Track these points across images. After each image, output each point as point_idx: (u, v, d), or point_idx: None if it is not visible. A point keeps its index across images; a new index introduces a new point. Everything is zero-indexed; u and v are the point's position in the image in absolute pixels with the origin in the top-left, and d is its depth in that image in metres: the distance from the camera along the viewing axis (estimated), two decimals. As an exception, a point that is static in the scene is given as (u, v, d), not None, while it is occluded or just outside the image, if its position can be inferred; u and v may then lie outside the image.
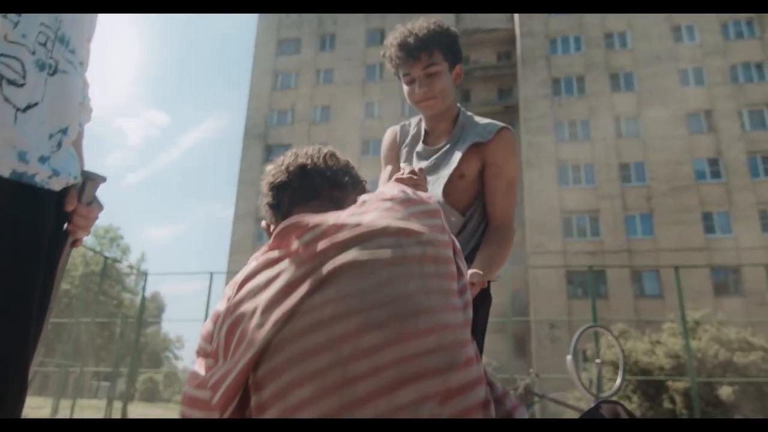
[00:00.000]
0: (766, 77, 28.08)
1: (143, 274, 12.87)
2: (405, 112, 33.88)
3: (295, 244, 0.93)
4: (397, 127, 2.03)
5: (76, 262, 37.03)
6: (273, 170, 1.17)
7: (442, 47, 1.75)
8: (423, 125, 1.95)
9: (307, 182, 1.11)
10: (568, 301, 26.27)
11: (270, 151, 35.20)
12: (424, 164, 1.84)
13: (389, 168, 1.95)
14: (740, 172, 26.67)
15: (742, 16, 29.47)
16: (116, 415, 11.45)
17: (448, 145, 1.83)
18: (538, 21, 32.05)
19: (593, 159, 28.68)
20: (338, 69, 35.90)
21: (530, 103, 30.51)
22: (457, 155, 1.76)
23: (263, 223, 1.18)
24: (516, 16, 33.70)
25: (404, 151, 1.95)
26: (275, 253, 0.96)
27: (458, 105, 1.91)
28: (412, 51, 1.72)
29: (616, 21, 31.08)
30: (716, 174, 27.04)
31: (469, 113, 1.90)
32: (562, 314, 25.88)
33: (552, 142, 29.31)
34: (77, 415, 11.52)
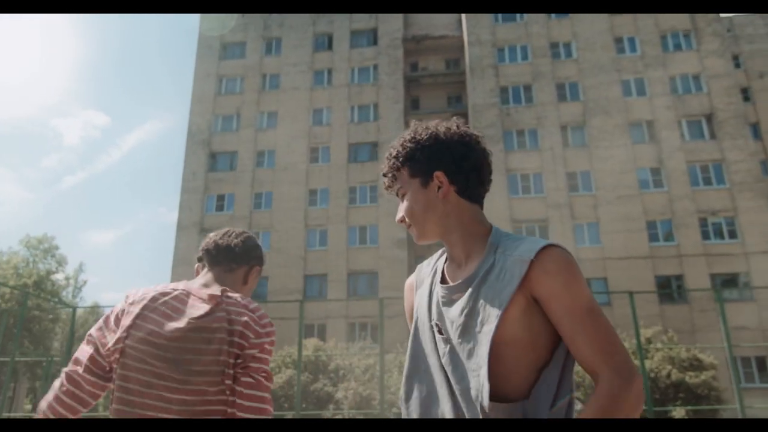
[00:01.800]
0: (703, 89, 29.05)
1: (72, 308, 11.77)
2: (354, 119, 33.35)
3: None
4: (414, 273, 1.55)
5: (7, 274, 34.70)
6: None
7: (408, 164, 1.38)
8: (445, 256, 1.46)
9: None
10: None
11: (214, 159, 33.92)
12: (452, 318, 1.30)
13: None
14: (681, 181, 27.45)
15: (681, 29, 30.40)
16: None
17: (474, 282, 1.28)
18: (485, 29, 32.12)
19: (541, 168, 28.94)
20: (285, 74, 34.96)
21: (479, 111, 30.52)
22: (493, 305, 1.22)
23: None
24: (464, 23, 33.71)
25: (417, 299, 1.44)
26: None
27: (485, 222, 1.38)
28: (384, 178, 1.44)
29: (561, 31, 31.50)
30: (659, 183, 27.75)
31: (509, 233, 1.37)
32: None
33: (501, 152, 29.38)
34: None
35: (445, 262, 1.42)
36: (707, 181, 27.45)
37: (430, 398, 1.30)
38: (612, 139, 28.72)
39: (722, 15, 30.72)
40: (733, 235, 26.33)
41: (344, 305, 29.13)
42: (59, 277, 40.83)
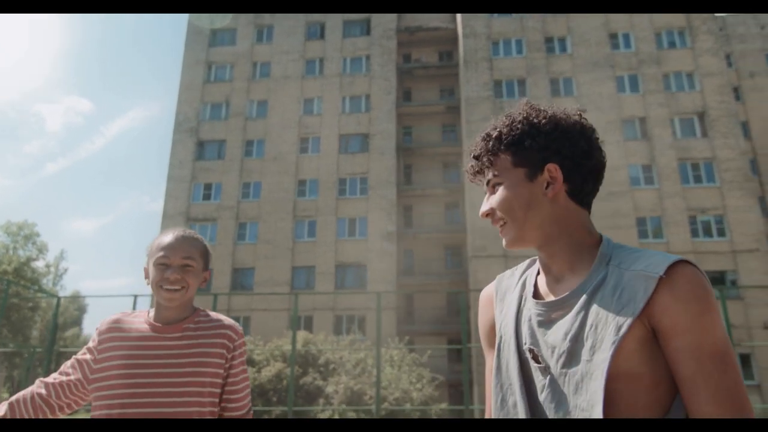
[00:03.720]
0: (696, 86, 29.09)
1: (55, 297, 11.39)
2: (345, 110, 32.98)
3: None
4: (494, 283, 1.28)
5: (-14, 261, 33.96)
6: None
7: (514, 149, 1.12)
8: (536, 267, 1.20)
9: None
10: (508, 306, 26.27)
11: (202, 148, 33.37)
12: (552, 343, 1.05)
13: (489, 360, 1.22)
14: (671, 178, 27.52)
15: (676, 26, 30.39)
16: None
17: (582, 299, 1.03)
18: (480, 22, 31.85)
19: (534, 163, 28.82)
20: (276, 62, 34.43)
21: (472, 104, 30.30)
22: (607, 329, 0.97)
23: None
24: (458, 15, 33.40)
25: (501, 316, 1.18)
26: None
27: (594, 231, 1.13)
28: (473, 161, 1.19)
29: (556, 25, 31.33)
30: (649, 180, 27.79)
31: (622, 245, 1.10)
32: (502, 318, 25.84)
33: (493, 145, 29.20)
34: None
35: (538, 274, 1.17)
36: (698, 179, 27.55)
37: None
38: (604, 135, 28.54)
39: (716, 14, 30.72)
40: (721, 233, 26.47)
41: (331, 298, 28.89)
42: (39, 264, 40.10)
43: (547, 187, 1.09)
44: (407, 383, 15.72)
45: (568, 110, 1.15)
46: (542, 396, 1.04)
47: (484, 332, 1.24)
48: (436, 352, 24.93)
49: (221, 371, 1.66)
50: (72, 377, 1.66)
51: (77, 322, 57.13)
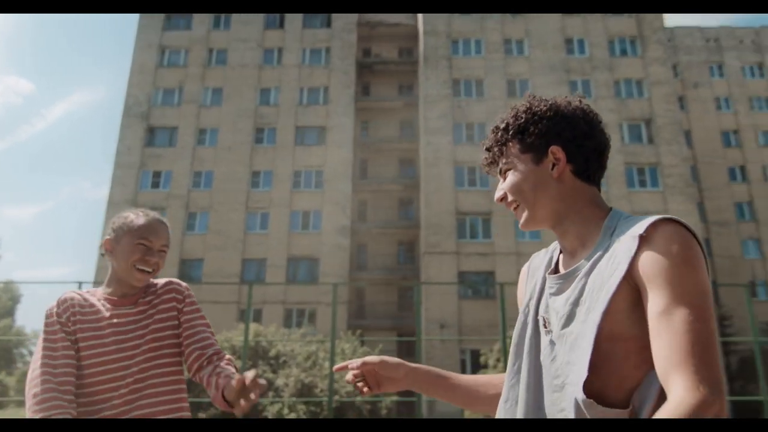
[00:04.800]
0: (644, 94, 30.20)
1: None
2: (303, 102, 32.62)
3: None
4: (528, 262, 1.39)
5: None
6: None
7: (520, 136, 1.22)
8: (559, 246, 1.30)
9: None
10: (459, 302, 26.63)
11: (153, 134, 32.32)
12: (557, 309, 1.14)
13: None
14: (619, 181, 28.49)
15: (628, 34, 31.44)
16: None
17: (584, 269, 1.10)
18: (441, 20, 32.08)
19: (488, 162, 29.26)
20: (233, 50, 33.68)
21: (430, 102, 30.50)
22: (600, 291, 1.04)
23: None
24: (419, 13, 33.52)
25: (528, 291, 1.28)
26: None
27: (603, 205, 1.20)
28: (486, 153, 1.30)
29: (514, 27, 31.88)
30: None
31: (631, 215, 1.14)
32: (452, 314, 26.18)
33: (450, 143, 29.52)
34: None
35: (560, 252, 1.25)
36: (642, 184, 28.63)
37: (516, 398, 1.16)
38: (557, 137, 29.40)
39: (664, 25, 31.97)
40: (663, 236, 27.62)
41: (282, 291, 28.56)
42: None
43: (552, 168, 1.17)
44: (358, 376, 15.67)
45: (572, 98, 1.24)
46: (542, 355, 1.13)
47: (519, 302, 1.33)
48: (387, 345, 25.02)
49: (176, 322, 1.74)
50: (66, 370, 1.61)
51: (10, 312, 54.49)
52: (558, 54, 31.08)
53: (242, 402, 1.39)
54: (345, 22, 34.34)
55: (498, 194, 1.25)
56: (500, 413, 1.20)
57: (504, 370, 6.63)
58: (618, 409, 0.99)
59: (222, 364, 1.65)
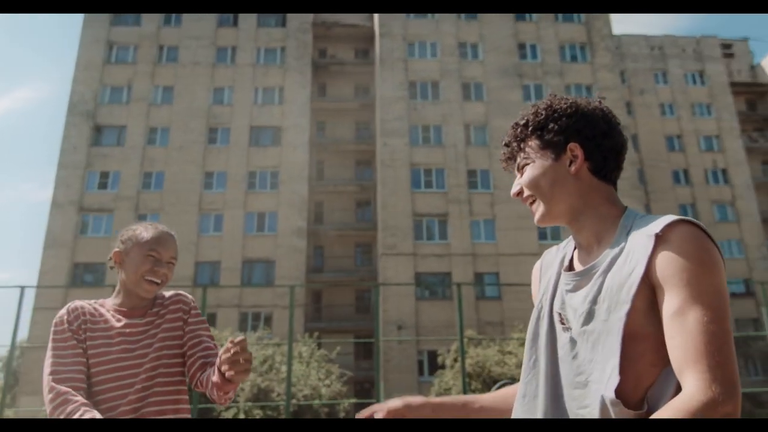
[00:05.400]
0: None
1: None
2: (257, 101, 32.11)
3: None
4: (541, 258, 1.40)
5: None
6: None
7: (539, 133, 1.24)
8: (574, 242, 1.30)
9: None
10: (416, 303, 26.73)
11: (100, 133, 31.15)
12: (575, 306, 1.15)
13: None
14: (570, 184, 29.25)
15: (578, 41, 32.35)
16: None
17: (602, 267, 1.12)
18: (397, 22, 32.20)
19: (444, 164, 29.55)
20: (184, 47, 32.84)
21: (387, 103, 30.55)
22: (621, 290, 1.06)
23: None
24: (376, 15, 33.56)
25: (542, 287, 1.29)
26: None
27: (619, 204, 1.22)
28: (505, 149, 1.31)
29: (469, 31, 32.32)
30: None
31: (646, 215, 1.16)
32: (409, 315, 26.26)
33: (406, 145, 29.64)
34: None
35: (575, 249, 1.27)
36: (592, 186, 29.47)
37: (534, 395, 1.17)
38: (511, 140, 29.95)
39: (612, 32, 33.07)
40: (612, 237, 28.53)
41: (237, 294, 28.00)
42: None
43: (570, 165, 1.19)
44: (316, 379, 15.49)
45: (590, 98, 1.27)
46: (561, 352, 1.14)
47: (534, 299, 1.35)
48: (344, 349, 24.87)
49: (181, 333, 1.80)
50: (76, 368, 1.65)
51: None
52: (511, 58, 31.68)
53: (236, 366, 1.46)
54: (300, 21, 34.02)
55: (515, 189, 1.27)
56: (517, 409, 1.20)
57: (460, 370, 6.60)
58: (633, 408, 1.01)
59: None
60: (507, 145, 1.28)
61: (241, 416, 14.39)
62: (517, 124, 1.26)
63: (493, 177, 29.34)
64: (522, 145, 1.24)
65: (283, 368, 14.23)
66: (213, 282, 28.43)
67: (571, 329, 1.13)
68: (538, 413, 1.14)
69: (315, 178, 32.42)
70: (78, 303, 1.75)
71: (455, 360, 18.28)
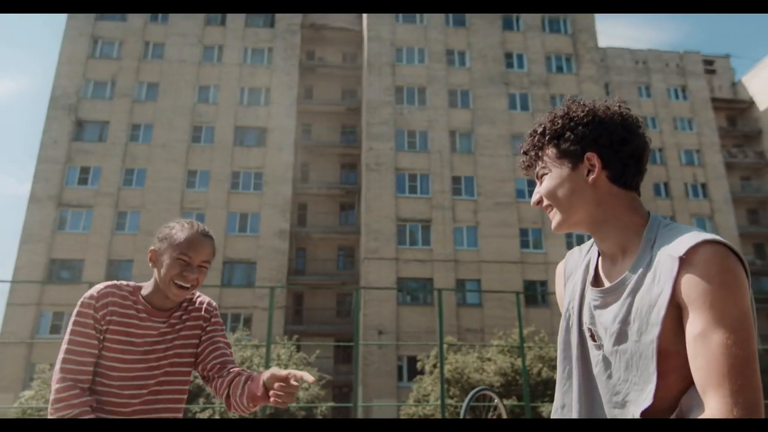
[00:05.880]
0: (578, 110, 31.42)
1: None
2: (243, 101, 31.93)
3: None
4: (564, 260, 1.41)
5: None
6: None
7: (555, 141, 1.23)
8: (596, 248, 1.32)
9: None
10: (397, 308, 26.68)
11: (81, 128, 30.72)
12: (605, 324, 1.17)
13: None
14: (553, 193, 29.46)
15: (564, 52, 32.69)
16: None
17: (629, 285, 1.12)
18: (385, 27, 32.26)
19: (429, 170, 29.60)
20: (171, 44, 32.55)
21: (373, 108, 30.56)
22: (650, 312, 1.07)
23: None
24: (365, 19, 33.60)
25: (569, 293, 1.30)
26: None
27: (642, 211, 1.20)
28: (523, 156, 1.32)
29: (457, 39, 32.49)
30: (532, 194, 29.62)
31: (670, 223, 1.17)
32: (390, 321, 26.19)
33: (391, 149, 29.65)
34: None
35: (599, 255, 1.27)
36: (574, 196, 29.72)
37: (571, 407, 1.21)
38: (495, 148, 30.11)
39: (598, 45, 33.48)
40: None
41: (217, 295, 27.70)
42: None
43: (588, 174, 1.17)
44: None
45: (611, 103, 1.22)
46: (596, 369, 1.17)
47: (559, 301, 1.38)
48: (324, 351, 24.70)
49: (198, 341, 1.81)
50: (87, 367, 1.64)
51: None
52: (498, 67, 31.90)
53: (286, 398, 1.51)
54: (289, 23, 33.93)
55: (534, 198, 1.27)
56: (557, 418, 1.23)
57: (439, 375, 6.60)
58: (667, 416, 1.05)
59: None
60: (525, 153, 1.28)
61: (217, 417, 14.20)
62: (534, 131, 1.26)
63: (477, 184, 29.46)
64: (540, 154, 1.24)
65: (262, 370, 14.06)
66: (193, 282, 28.09)
67: (603, 347, 1.15)
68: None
69: (299, 180, 32.28)
70: (110, 288, 1.70)
71: (434, 366, 18.26)
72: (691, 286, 1.01)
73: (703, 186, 35.40)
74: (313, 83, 35.43)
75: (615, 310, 1.13)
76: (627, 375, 1.10)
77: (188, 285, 1.71)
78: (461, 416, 4.65)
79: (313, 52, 36.10)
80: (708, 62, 41.67)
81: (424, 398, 16.01)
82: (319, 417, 15.15)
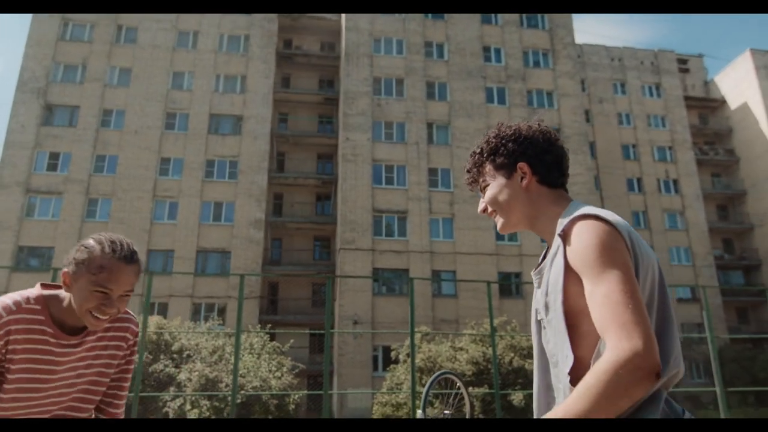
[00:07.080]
0: (554, 105, 31.70)
1: None
2: (218, 89, 31.47)
3: None
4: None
5: None
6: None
7: (492, 157, 1.49)
8: None
9: None
10: (373, 298, 26.67)
11: (51, 112, 29.94)
12: (538, 300, 1.42)
13: None
14: (528, 186, 29.71)
15: (541, 47, 32.89)
16: None
17: (546, 268, 1.38)
18: (364, 18, 32.05)
19: (406, 161, 29.58)
20: (144, 29, 31.88)
21: (351, 98, 30.38)
22: (557, 280, 1.29)
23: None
24: (343, 7, 33.31)
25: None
26: None
27: (564, 203, 1.44)
28: (467, 174, 1.58)
29: (435, 31, 32.44)
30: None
31: (575, 207, 1.37)
32: (366, 311, 26.19)
33: (368, 141, 29.54)
34: None
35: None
36: (550, 190, 30.00)
37: (535, 389, 1.40)
38: (472, 141, 30.20)
39: (575, 41, 33.76)
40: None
41: (190, 284, 27.37)
42: None
43: (521, 181, 1.42)
44: (266, 371, 15.24)
45: (532, 123, 1.49)
46: (543, 341, 1.36)
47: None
48: (298, 342, 24.60)
49: (116, 362, 1.70)
50: None
51: None
52: (476, 61, 31.96)
53: None
54: (267, 10, 33.49)
55: (481, 206, 1.50)
56: (534, 397, 1.39)
57: (412, 364, 6.66)
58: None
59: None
60: (468, 171, 1.52)
61: (188, 406, 14.03)
62: (474, 152, 1.50)
63: (454, 176, 29.54)
64: (481, 170, 1.48)
65: (233, 359, 13.94)
66: (165, 271, 27.71)
67: (543, 322, 1.35)
68: (538, 394, 1.36)
69: (275, 169, 31.98)
70: (11, 314, 1.49)
71: (408, 355, 18.31)
72: (573, 256, 1.22)
73: (675, 182, 36.07)
74: (291, 72, 35.08)
75: (543, 287, 1.34)
76: (555, 339, 1.27)
77: (105, 317, 1.53)
78: (422, 400, 4.62)
79: (290, 41, 35.73)
80: (682, 61, 42.38)
81: (398, 386, 16.05)
82: (292, 406, 15.07)
